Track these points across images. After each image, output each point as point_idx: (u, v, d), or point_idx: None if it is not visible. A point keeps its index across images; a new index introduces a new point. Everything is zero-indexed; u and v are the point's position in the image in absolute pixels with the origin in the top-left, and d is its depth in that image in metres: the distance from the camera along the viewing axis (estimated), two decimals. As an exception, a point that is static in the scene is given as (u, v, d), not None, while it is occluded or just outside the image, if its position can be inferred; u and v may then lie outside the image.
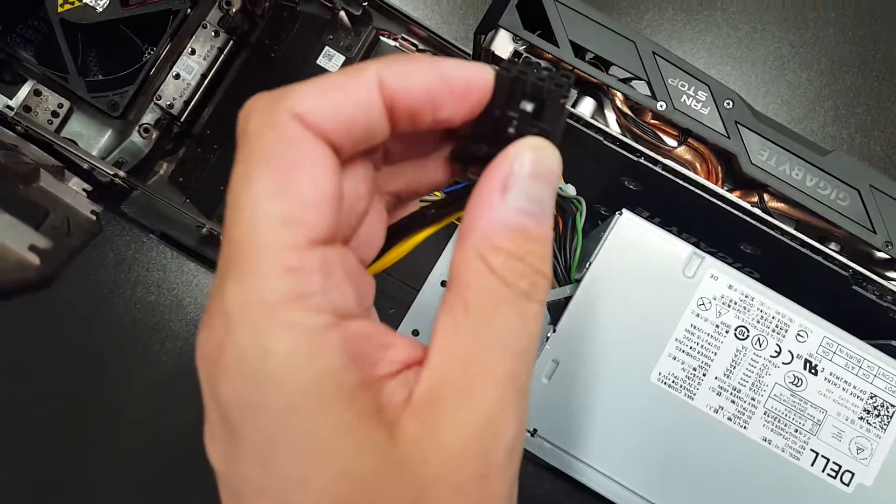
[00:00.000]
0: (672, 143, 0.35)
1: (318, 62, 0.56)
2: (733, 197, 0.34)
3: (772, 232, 0.34)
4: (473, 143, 0.16)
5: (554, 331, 0.31)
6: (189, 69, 0.54)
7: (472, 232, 0.15)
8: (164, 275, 0.55)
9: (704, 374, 0.30)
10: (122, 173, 0.51)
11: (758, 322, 0.30)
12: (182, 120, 0.55)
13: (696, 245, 0.32)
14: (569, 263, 0.32)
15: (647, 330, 0.30)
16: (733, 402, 0.30)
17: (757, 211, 0.34)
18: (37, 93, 0.53)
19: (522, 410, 0.16)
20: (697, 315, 0.30)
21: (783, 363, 0.30)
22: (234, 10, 0.55)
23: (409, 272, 0.53)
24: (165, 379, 0.53)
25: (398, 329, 0.52)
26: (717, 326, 0.30)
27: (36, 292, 0.52)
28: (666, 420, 0.30)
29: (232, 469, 0.15)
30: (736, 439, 0.30)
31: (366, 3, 0.54)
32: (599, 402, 0.30)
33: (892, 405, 0.30)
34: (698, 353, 0.30)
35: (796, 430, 0.29)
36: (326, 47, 0.56)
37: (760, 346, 0.30)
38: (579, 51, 0.33)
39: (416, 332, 0.52)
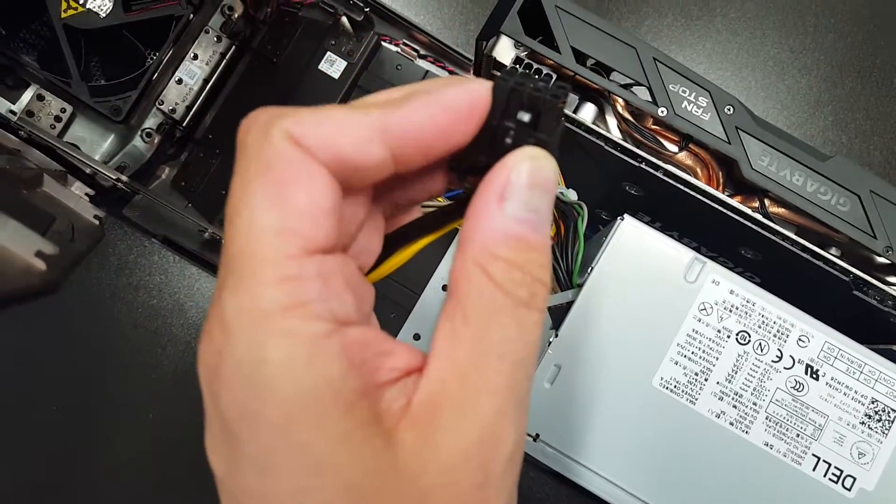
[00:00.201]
0: (673, 148, 0.36)
1: (319, 67, 0.56)
2: (734, 202, 0.34)
3: (772, 237, 0.34)
4: (471, 154, 0.16)
5: (556, 335, 0.31)
6: (191, 74, 0.55)
7: (470, 241, 0.15)
8: (165, 279, 0.55)
9: (706, 379, 0.30)
10: (124, 178, 0.51)
11: (759, 327, 0.30)
12: (184, 124, 0.55)
13: (697, 250, 0.32)
14: (570, 268, 0.33)
15: (649, 335, 0.30)
16: (735, 406, 0.30)
17: (758, 216, 0.34)
18: (40, 97, 0.53)
19: (522, 420, 0.16)
20: (699, 320, 0.30)
21: (784, 368, 0.30)
22: (236, 15, 0.55)
23: (410, 276, 0.53)
24: (167, 382, 0.53)
25: (399, 333, 0.52)
26: (719, 331, 0.30)
27: (41, 298, 0.52)
28: (668, 425, 0.30)
29: (232, 477, 0.15)
30: (738, 444, 0.30)
31: (367, 9, 0.54)
32: (601, 406, 0.30)
33: (894, 410, 0.30)
34: (700, 357, 0.30)
35: (798, 435, 0.30)
36: (328, 52, 0.56)
37: (762, 351, 0.30)
38: (581, 57, 0.34)
39: (417, 337, 0.52)
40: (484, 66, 0.36)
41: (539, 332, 0.16)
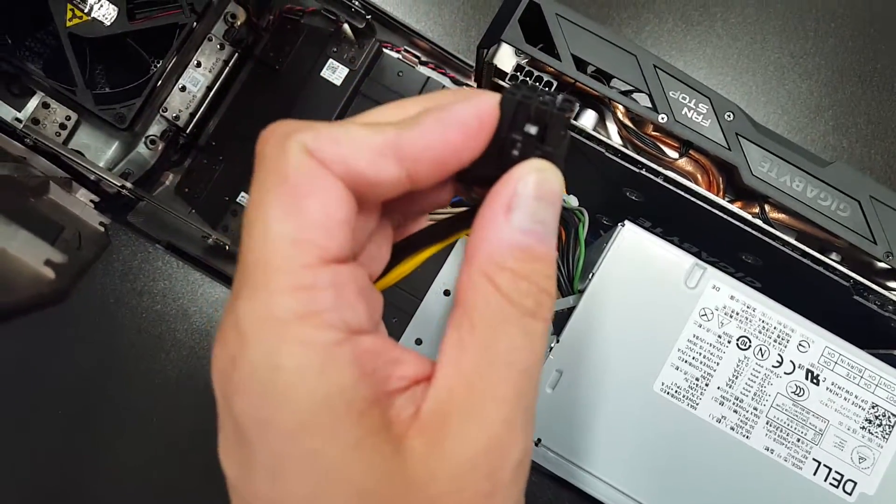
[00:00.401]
0: (673, 154, 0.36)
1: (321, 74, 0.56)
2: (734, 208, 0.34)
3: (773, 242, 0.34)
4: (478, 165, 0.17)
5: (557, 341, 0.31)
6: (195, 81, 0.55)
7: (477, 252, 0.16)
8: (169, 284, 0.55)
9: (707, 384, 0.30)
10: (128, 184, 0.52)
11: (760, 332, 0.30)
12: (188, 131, 0.55)
13: (698, 255, 0.32)
14: (572, 274, 0.33)
15: (650, 340, 0.30)
16: (736, 411, 0.30)
17: (758, 222, 0.34)
18: (45, 105, 0.54)
19: (529, 428, 0.16)
20: (699, 325, 0.30)
21: (785, 373, 0.30)
22: (239, 22, 0.56)
23: (412, 281, 0.53)
24: (171, 387, 0.54)
25: (401, 337, 0.52)
26: (720, 337, 0.30)
27: (52, 306, 0.52)
28: (669, 429, 0.30)
29: (244, 482, 0.15)
30: (738, 449, 0.30)
31: (369, 16, 0.55)
32: (603, 411, 0.30)
33: (894, 415, 0.30)
34: (701, 363, 0.30)
35: (798, 440, 0.30)
36: (330, 59, 0.57)
37: (762, 356, 0.30)
38: (581, 64, 0.34)
39: (419, 341, 0.52)
40: (485, 73, 0.37)
41: (545, 342, 0.16)
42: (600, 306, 0.31)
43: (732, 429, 0.30)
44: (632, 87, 0.34)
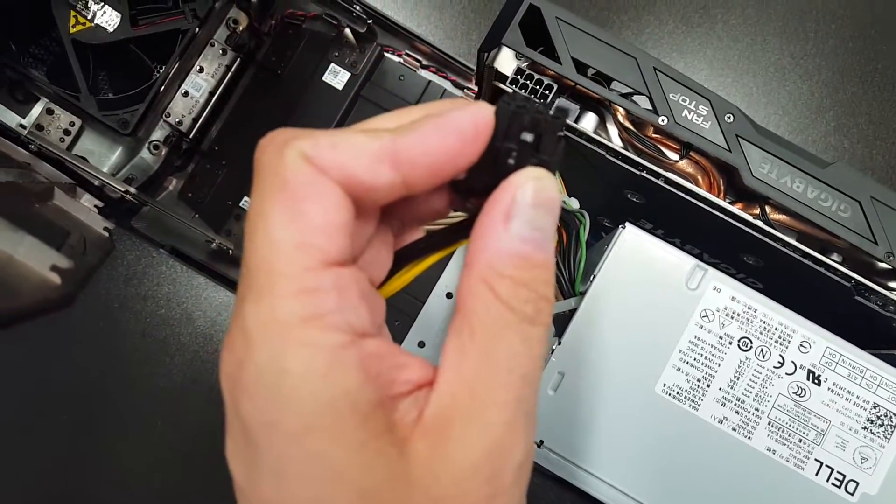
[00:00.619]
0: (674, 156, 0.36)
1: (323, 78, 0.57)
2: (735, 209, 0.34)
3: (774, 244, 0.34)
4: (474, 175, 0.17)
5: (559, 343, 0.31)
6: (197, 87, 0.55)
7: (477, 260, 0.16)
8: (173, 289, 0.55)
9: (708, 386, 0.30)
10: (132, 189, 0.52)
11: (761, 333, 0.30)
12: (191, 136, 0.56)
13: (699, 257, 0.32)
14: (573, 276, 0.33)
15: (652, 342, 0.31)
16: (737, 412, 0.30)
17: (759, 223, 0.34)
18: (49, 111, 0.54)
19: (530, 432, 0.16)
20: (701, 327, 0.31)
21: (786, 374, 0.30)
22: (240, 28, 0.56)
23: (414, 285, 0.53)
24: (175, 391, 0.54)
25: (404, 340, 0.52)
26: (721, 338, 0.30)
27: (57, 311, 0.52)
28: (670, 431, 0.30)
29: (250, 484, 0.15)
30: (740, 449, 0.30)
31: (370, 21, 0.55)
32: (604, 413, 0.30)
33: (896, 415, 0.30)
34: (702, 364, 0.30)
35: (800, 440, 0.30)
36: (332, 64, 0.57)
37: (764, 357, 0.30)
38: (581, 67, 0.34)
39: (421, 344, 0.52)
40: (486, 76, 0.37)
41: (544, 347, 0.17)
42: (602, 308, 0.31)
43: (734, 430, 0.30)
44: (632, 90, 0.34)
